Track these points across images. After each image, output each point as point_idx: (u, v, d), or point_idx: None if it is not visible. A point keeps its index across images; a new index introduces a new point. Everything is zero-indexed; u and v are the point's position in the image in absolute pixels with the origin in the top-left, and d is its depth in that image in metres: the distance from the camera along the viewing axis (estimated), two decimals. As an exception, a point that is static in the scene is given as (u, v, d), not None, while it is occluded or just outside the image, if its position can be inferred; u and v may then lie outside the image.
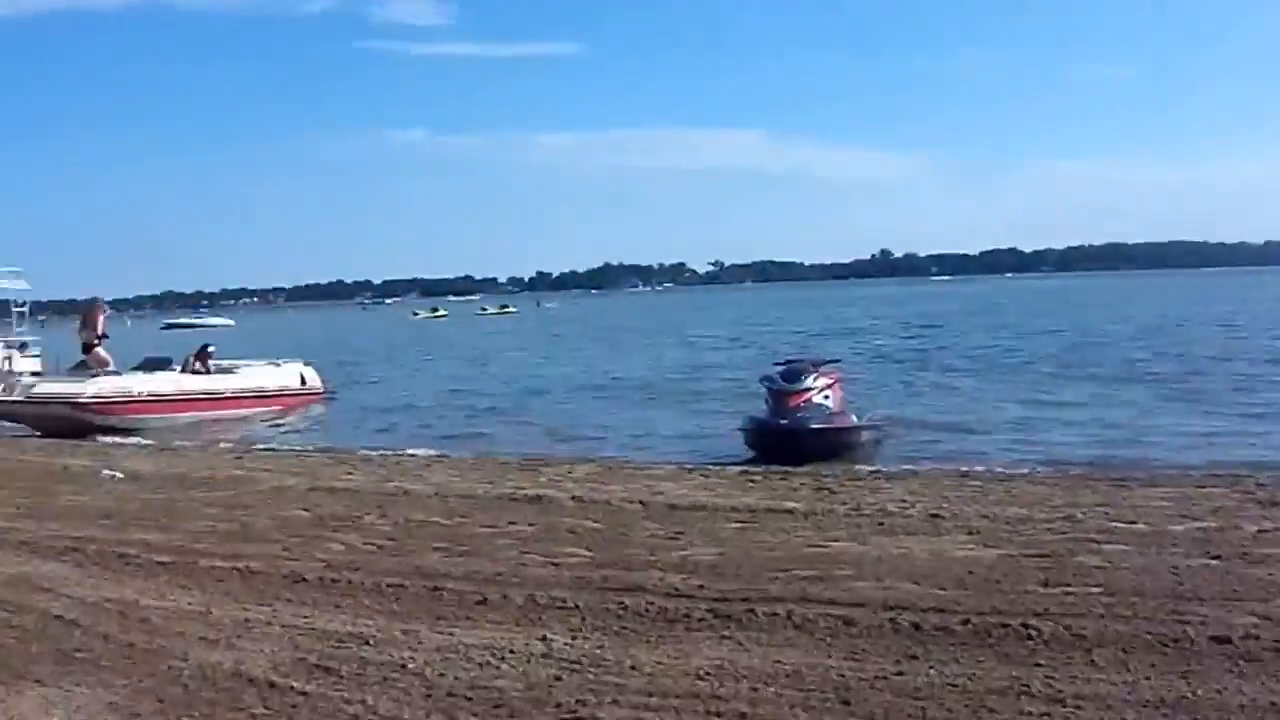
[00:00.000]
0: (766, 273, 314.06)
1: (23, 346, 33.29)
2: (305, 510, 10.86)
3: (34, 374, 22.05)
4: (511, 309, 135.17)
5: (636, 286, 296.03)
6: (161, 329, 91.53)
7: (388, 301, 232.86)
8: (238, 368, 24.02)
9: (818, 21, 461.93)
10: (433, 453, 15.91)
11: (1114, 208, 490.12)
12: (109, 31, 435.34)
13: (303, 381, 25.09)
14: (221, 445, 18.28)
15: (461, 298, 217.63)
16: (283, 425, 22.68)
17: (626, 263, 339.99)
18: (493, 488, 12.01)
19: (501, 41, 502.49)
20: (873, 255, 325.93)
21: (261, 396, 23.80)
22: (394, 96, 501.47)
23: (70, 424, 19.81)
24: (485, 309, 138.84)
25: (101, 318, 23.18)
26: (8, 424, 20.63)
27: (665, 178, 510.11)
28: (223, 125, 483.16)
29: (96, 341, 22.66)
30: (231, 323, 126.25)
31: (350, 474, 13.35)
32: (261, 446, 17.64)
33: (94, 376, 21.55)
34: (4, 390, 20.51)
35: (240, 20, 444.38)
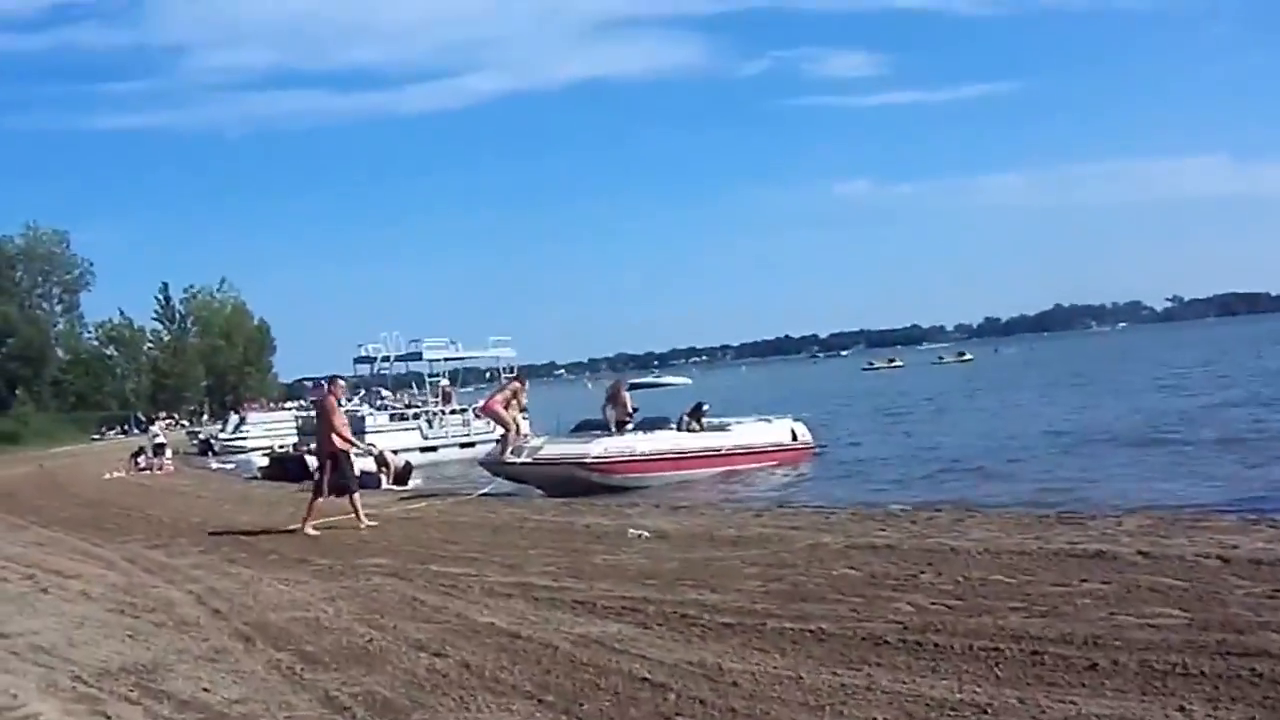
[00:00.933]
0: (1229, 306, 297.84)
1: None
2: (853, 569, 10.45)
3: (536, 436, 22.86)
4: (968, 356, 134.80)
5: (1090, 327, 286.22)
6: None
7: (844, 353, 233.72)
8: (730, 425, 24.22)
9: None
10: (962, 509, 15.15)
11: None
12: (552, 110, 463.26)
13: (794, 437, 25.13)
14: (734, 502, 18.29)
15: (909, 347, 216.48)
16: (782, 481, 22.65)
17: (1078, 303, 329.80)
18: (1042, 543, 11.17)
19: (936, 87, 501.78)
20: None
21: (756, 453, 23.95)
22: (836, 149, 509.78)
23: (576, 484, 20.51)
24: (942, 358, 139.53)
25: (626, 395, 23.93)
26: (511, 484, 21.47)
27: (1116, 212, 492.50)
28: (665, 188, 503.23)
29: (628, 419, 23.50)
30: (689, 381, 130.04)
31: (883, 530, 12.84)
32: (778, 503, 17.40)
33: (597, 437, 22.22)
34: (513, 452, 21.43)
35: (677, 87, 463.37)
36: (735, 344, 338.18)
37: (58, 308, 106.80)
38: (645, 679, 7.01)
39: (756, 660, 7.35)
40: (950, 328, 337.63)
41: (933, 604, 8.72)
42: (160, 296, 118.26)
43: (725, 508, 16.99)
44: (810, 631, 8.02)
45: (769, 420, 25.69)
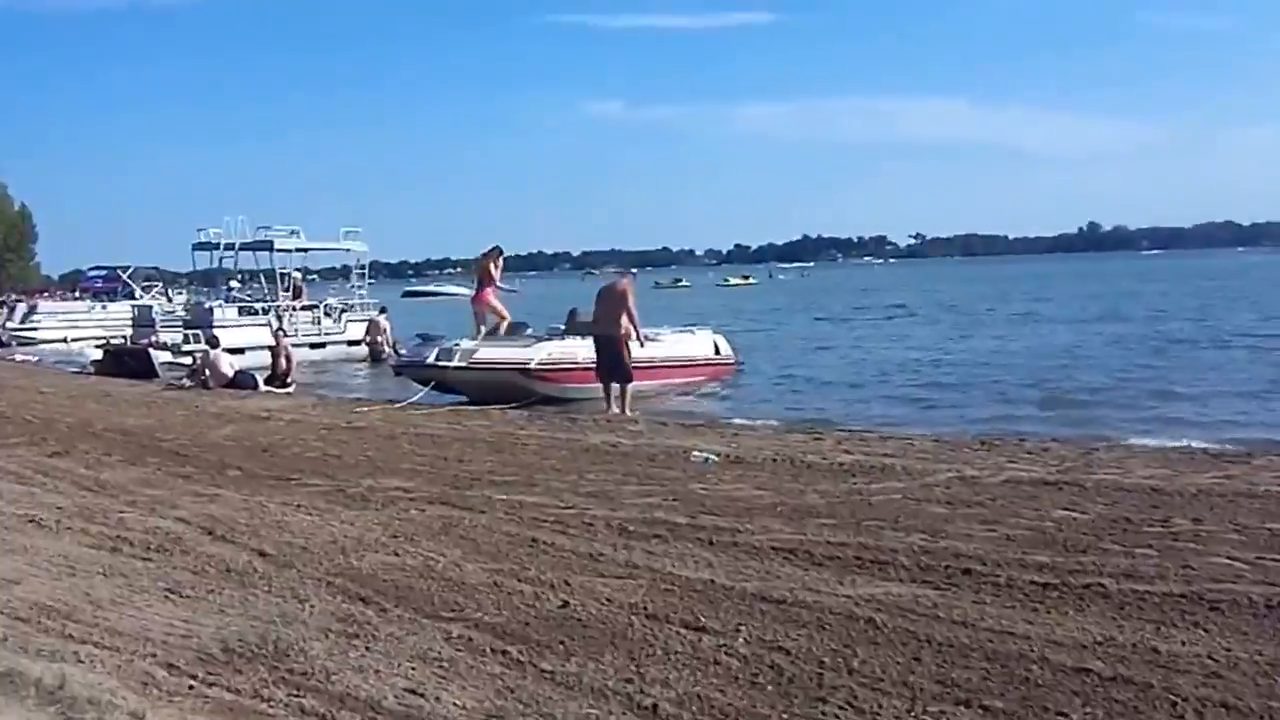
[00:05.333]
0: (970, 246, 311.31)
1: (382, 310, 32.42)
2: (1068, 510, 8.52)
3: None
4: (753, 280, 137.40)
5: (836, 259, 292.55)
6: (401, 296, 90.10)
7: (633, 272, 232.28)
8: (657, 335, 21.78)
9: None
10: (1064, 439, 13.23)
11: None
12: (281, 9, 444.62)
13: (717, 350, 22.89)
14: (733, 419, 16.07)
15: (661, 269, 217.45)
16: (739, 396, 20.89)
17: (825, 235, 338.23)
18: (1247, 484, 9.39)
19: (697, 12, 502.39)
20: (1080, 228, 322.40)
21: (687, 365, 21.74)
22: (591, 69, 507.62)
23: (513, 391, 18.05)
24: (728, 279, 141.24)
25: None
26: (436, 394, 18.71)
27: (864, 149, 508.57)
28: (418, 97, 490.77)
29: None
30: (469, 291, 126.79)
31: (1012, 462, 10.88)
32: (813, 423, 15.17)
33: (539, 341, 19.69)
34: (438, 356, 18.70)
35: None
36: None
37: None
38: (1083, 669, 5.03)
39: (1185, 639, 5.43)
40: (700, 252, 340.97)
41: (1259, 559, 6.86)
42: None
43: (759, 428, 14.67)
44: (1182, 596, 6.11)
45: (692, 331, 23.41)
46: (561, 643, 5.58)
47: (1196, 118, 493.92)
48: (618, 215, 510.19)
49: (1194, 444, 12.42)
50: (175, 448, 13.29)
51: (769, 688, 4.91)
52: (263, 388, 21.79)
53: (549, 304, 25.51)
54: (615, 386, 17.46)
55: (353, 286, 34.90)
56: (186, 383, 22.41)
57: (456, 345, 19.05)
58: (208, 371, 22.10)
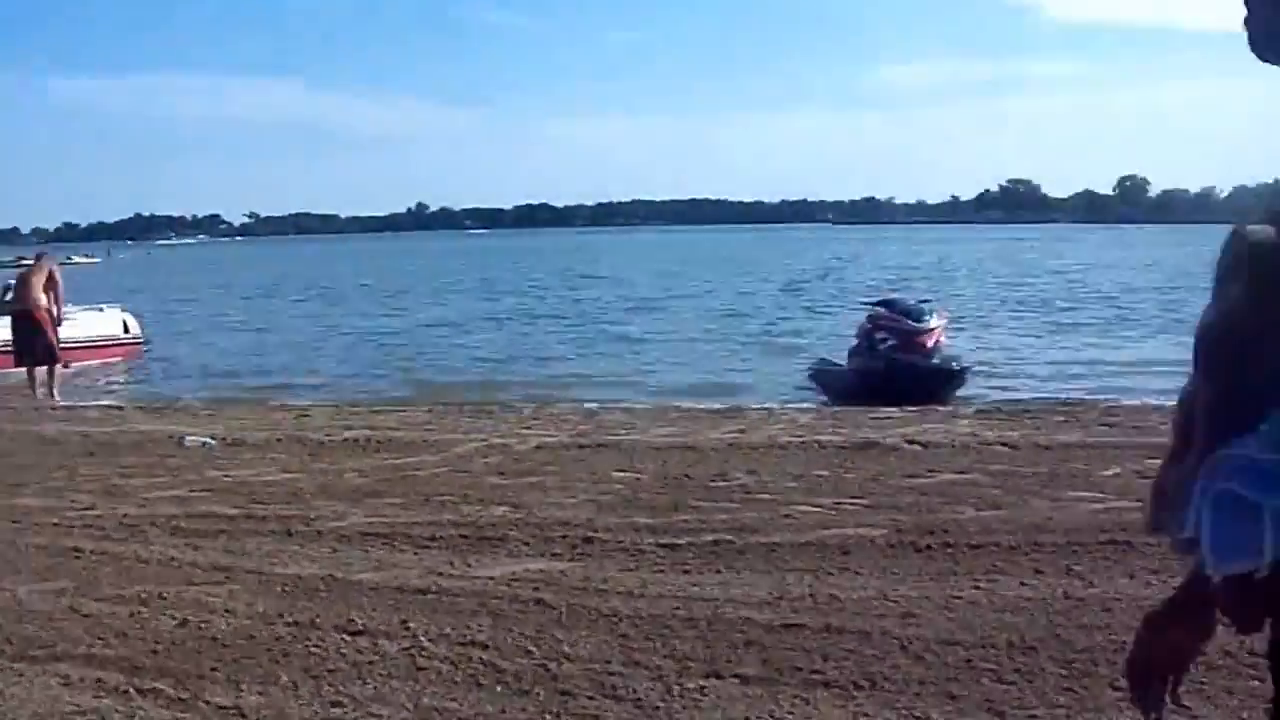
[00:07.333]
0: (305, 225, 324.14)
1: None
2: (631, 473, 8.96)
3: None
4: (95, 259, 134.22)
5: (170, 237, 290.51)
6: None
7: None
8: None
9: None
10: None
11: (642, 165, 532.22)
12: None
13: (126, 329, 22.06)
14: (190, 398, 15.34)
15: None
16: (154, 376, 20.90)
17: (158, 213, 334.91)
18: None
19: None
20: (409, 209, 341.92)
21: (101, 346, 21.13)
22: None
23: None
24: (71, 257, 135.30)
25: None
26: None
27: (198, 125, 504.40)
28: None
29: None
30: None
31: (526, 429, 11.28)
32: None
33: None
34: None
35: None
36: None
37: None
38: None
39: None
40: (26, 230, 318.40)
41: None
42: None
43: (225, 404, 14.06)
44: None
45: (100, 309, 22.40)
46: (214, 669, 5.08)
47: (508, 107, 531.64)
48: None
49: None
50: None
51: (497, 689, 4.81)
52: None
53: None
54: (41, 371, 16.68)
55: None
56: None
57: None
58: None
